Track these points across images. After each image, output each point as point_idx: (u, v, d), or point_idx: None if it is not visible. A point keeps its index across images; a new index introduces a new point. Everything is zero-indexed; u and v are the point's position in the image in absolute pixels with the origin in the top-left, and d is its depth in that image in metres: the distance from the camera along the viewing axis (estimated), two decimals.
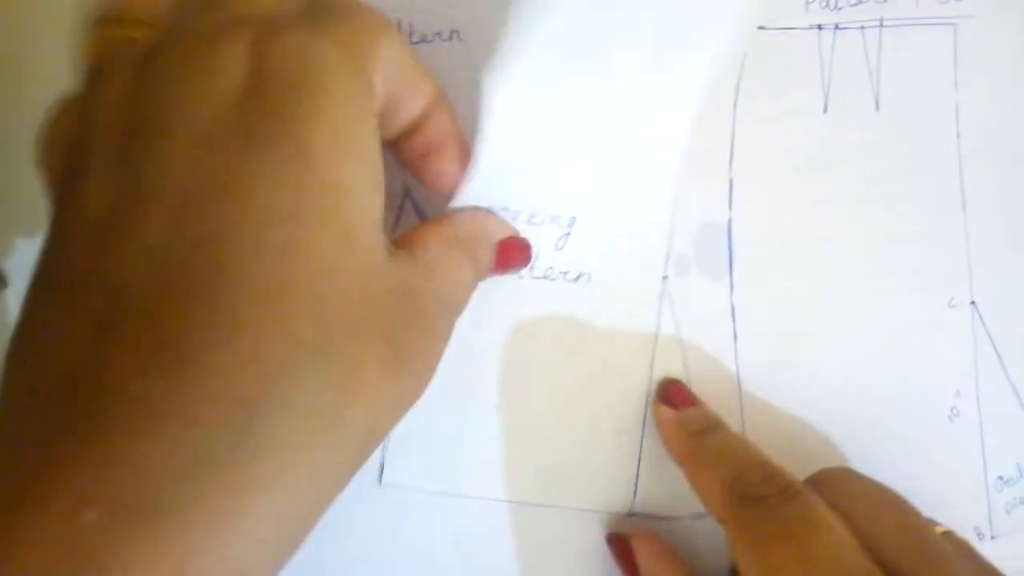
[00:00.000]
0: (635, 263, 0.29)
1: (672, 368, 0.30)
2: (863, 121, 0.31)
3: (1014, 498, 0.31)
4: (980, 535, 0.31)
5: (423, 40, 0.29)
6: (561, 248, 0.29)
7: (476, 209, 0.27)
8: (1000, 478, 0.31)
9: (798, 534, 0.22)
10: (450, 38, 0.29)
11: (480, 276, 0.25)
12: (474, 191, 0.26)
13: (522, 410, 0.29)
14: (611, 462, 0.29)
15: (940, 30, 0.31)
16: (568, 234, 0.28)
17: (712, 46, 0.26)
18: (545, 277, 0.29)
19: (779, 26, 0.30)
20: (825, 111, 0.31)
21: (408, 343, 0.20)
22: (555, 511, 0.29)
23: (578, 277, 0.29)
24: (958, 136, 0.31)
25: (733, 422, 0.29)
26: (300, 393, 0.17)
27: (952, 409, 0.31)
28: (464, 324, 0.25)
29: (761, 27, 0.30)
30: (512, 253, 0.27)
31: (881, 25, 0.31)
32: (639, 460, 0.29)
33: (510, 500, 0.29)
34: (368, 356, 0.19)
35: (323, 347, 0.18)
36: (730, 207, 0.30)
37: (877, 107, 0.31)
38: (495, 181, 0.26)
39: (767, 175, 0.30)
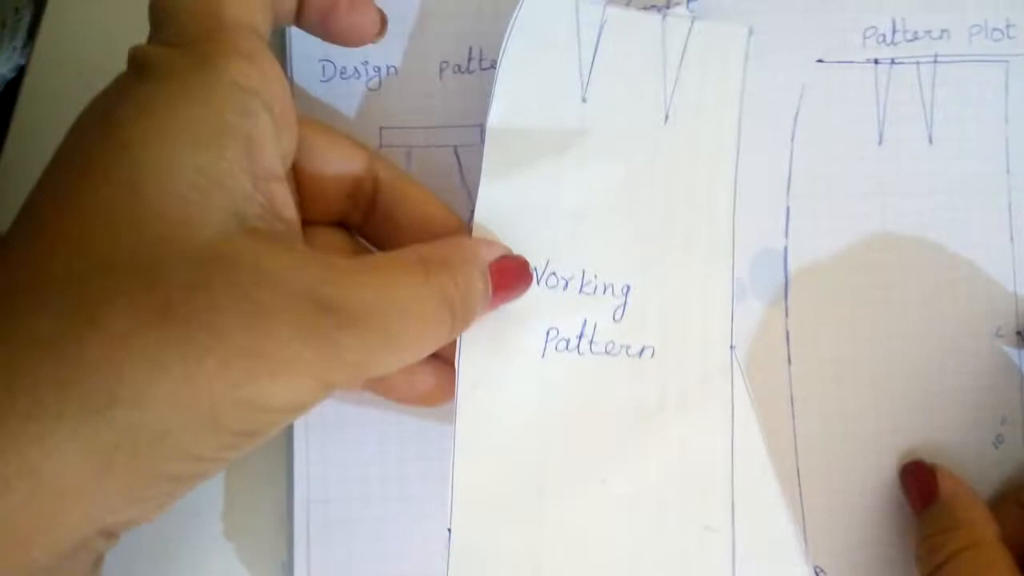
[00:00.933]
0: (700, 331, 0.28)
1: (749, 432, 0.28)
2: (916, 154, 0.32)
3: None
4: None
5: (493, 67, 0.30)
6: (619, 320, 0.27)
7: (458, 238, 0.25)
8: None
9: None
10: None
11: (461, 307, 0.23)
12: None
13: (601, 515, 0.27)
14: (703, 565, 0.27)
15: (992, 67, 0.32)
16: (625, 304, 0.27)
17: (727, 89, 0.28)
18: (607, 352, 0.27)
19: (837, 59, 0.31)
20: (880, 143, 0.32)
21: (199, 311, 0.18)
22: None
23: (641, 351, 0.27)
24: (1008, 171, 0.32)
25: (786, 447, 0.30)
26: (34, 320, 0.17)
27: (998, 437, 0.32)
28: (529, 408, 0.26)
29: (820, 60, 0.31)
30: (509, 275, 0.25)
31: (935, 61, 0.32)
32: (733, 559, 0.27)
33: None
34: (111, 298, 0.18)
35: (65, 280, 0.18)
36: (786, 234, 0.31)
37: (930, 141, 0.32)
38: (534, 242, 0.26)
39: (823, 204, 0.31)
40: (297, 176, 0.25)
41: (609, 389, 0.27)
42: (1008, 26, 0.32)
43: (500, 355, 0.26)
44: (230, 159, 0.19)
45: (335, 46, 0.26)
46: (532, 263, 0.26)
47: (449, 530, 0.25)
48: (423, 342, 0.22)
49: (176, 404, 0.17)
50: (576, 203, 0.27)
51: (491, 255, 0.25)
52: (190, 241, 0.18)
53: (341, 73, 0.30)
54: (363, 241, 0.27)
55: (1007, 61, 0.32)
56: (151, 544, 0.30)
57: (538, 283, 0.26)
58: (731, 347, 0.28)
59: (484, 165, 0.26)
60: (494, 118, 0.27)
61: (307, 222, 0.25)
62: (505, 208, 0.26)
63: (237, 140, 0.19)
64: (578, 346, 0.27)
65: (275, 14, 0.23)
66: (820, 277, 0.31)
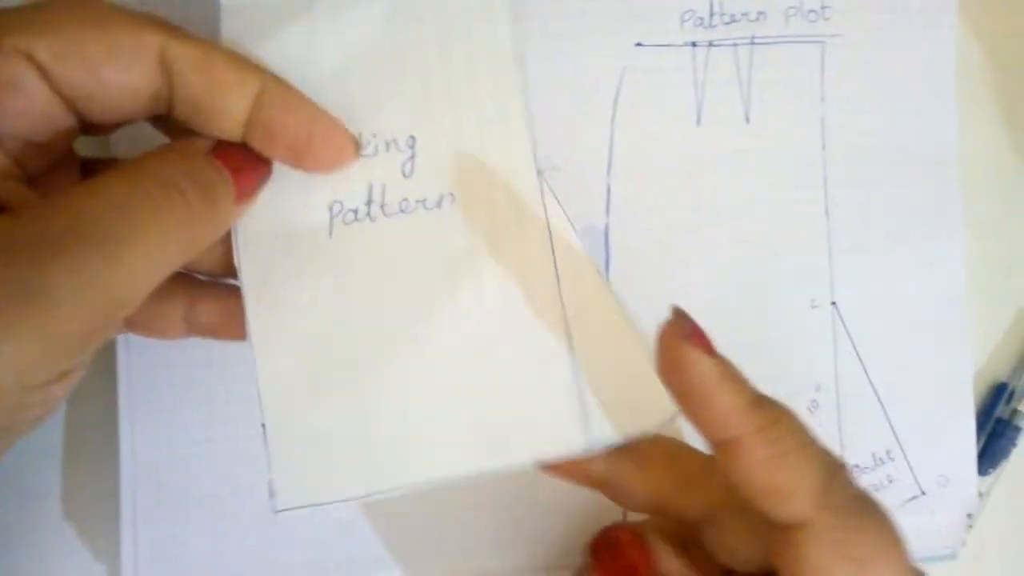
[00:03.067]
0: (501, 163, 0.26)
1: (578, 267, 0.26)
2: (734, 133, 0.33)
3: (870, 485, 0.33)
4: None
5: None
6: (410, 175, 0.26)
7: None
8: (856, 466, 0.33)
9: (899, 553, 0.21)
10: None
11: (192, 184, 0.22)
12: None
13: (425, 371, 0.25)
14: (547, 394, 0.26)
15: (808, 48, 0.33)
16: (413, 156, 0.26)
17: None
18: (401, 211, 0.26)
19: (655, 43, 0.32)
20: (699, 123, 0.33)
21: None
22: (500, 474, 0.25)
23: (440, 201, 0.26)
24: (823, 147, 0.33)
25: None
26: None
27: (813, 402, 0.33)
28: (324, 290, 0.25)
29: (639, 43, 0.32)
30: (235, 158, 0.23)
31: (752, 43, 0.33)
32: (577, 382, 0.26)
33: (443, 477, 0.25)
34: None
35: None
36: (607, 212, 0.32)
37: (747, 120, 0.33)
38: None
39: (643, 182, 0.32)
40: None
41: (411, 248, 0.26)
42: (823, 7, 0.33)
43: (283, 244, 0.25)
44: None
45: None
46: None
47: (263, 425, 0.25)
48: (160, 243, 0.21)
49: None
50: (336, 60, 0.25)
51: (205, 144, 0.23)
52: None
53: None
54: None
55: (823, 42, 0.33)
56: None
57: None
58: (537, 171, 0.26)
59: (222, 40, 0.25)
60: None
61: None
62: None
63: None
64: (368, 213, 0.25)
65: None
66: (641, 254, 0.32)
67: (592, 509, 0.32)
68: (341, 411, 0.25)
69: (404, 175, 0.26)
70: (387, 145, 0.26)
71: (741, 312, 0.33)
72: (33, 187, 0.23)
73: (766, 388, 0.33)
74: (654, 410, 0.25)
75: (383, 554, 0.31)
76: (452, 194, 0.26)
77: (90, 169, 0.25)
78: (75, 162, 0.25)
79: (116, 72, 0.22)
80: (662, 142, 0.32)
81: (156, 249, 0.21)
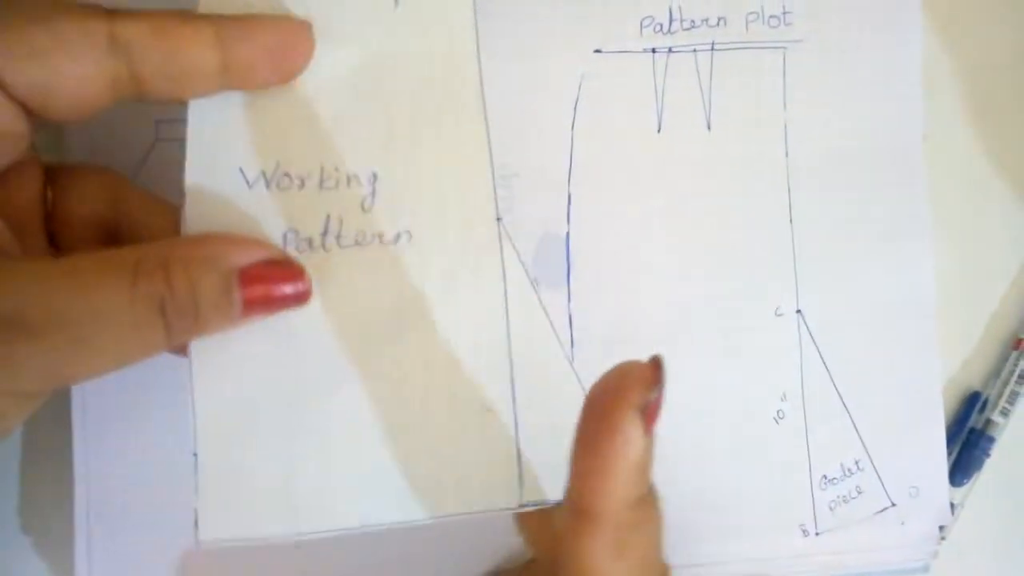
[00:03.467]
0: (459, 207, 0.26)
1: (531, 321, 0.26)
2: (695, 140, 0.32)
3: (838, 496, 0.33)
4: (805, 532, 0.33)
5: None
6: (369, 209, 0.26)
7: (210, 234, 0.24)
8: (824, 477, 0.33)
9: None
10: None
11: (177, 314, 0.21)
12: (207, 158, 0.25)
13: (361, 411, 0.25)
14: (484, 448, 0.26)
15: (770, 53, 0.33)
16: (373, 192, 0.26)
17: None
18: (357, 244, 0.25)
19: (614, 49, 0.32)
20: (659, 131, 0.32)
21: None
22: (428, 528, 0.25)
23: (397, 237, 0.26)
24: (787, 154, 0.33)
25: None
26: None
27: (778, 412, 0.33)
28: (264, 325, 0.24)
29: (597, 50, 0.32)
30: (265, 283, 0.23)
31: (713, 49, 0.33)
32: (516, 436, 0.26)
33: (369, 525, 0.25)
34: None
35: None
36: (568, 220, 0.32)
37: (709, 127, 0.33)
38: (259, 143, 0.25)
39: (604, 191, 0.32)
40: (51, 209, 0.25)
41: (362, 282, 0.25)
42: (785, 12, 0.33)
43: None
44: None
45: None
46: (259, 167, 0.25)
47: (195, 454, 0.24)
48: (127, 351, 0.21)
49: None
50: (308, 95, 0.25)
51: (243, 257, 0.22)
52: None
53: None
54: None
55: (784, 47, 0.33)
56: None
57: (267, 187, 0.25)
58: (497, 219, 0.26)
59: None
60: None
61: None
62: (223, 118, 0.25)
63: None
64: (323, 244, 0.25)
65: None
66: (602, 261, 0.32)
67: None
68: (271, 450, 0.25)
69: (363, 209, 0.26)
70: (348, 179, 0.26)
71: (705, 320, 0.32)
72: None
73: (731, 395, 0.32)
74: None
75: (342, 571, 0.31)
76: (409, 232, 0.26)
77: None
78: (35, 163, 0.25)
79: (68, 62, 0.22)
80: (623, 150, 0.32)
81: (121, 356, 0.22)
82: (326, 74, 0.26)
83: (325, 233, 0.25)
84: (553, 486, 0.25)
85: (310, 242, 0.25)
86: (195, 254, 0.22)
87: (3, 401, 0.21)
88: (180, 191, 0.24)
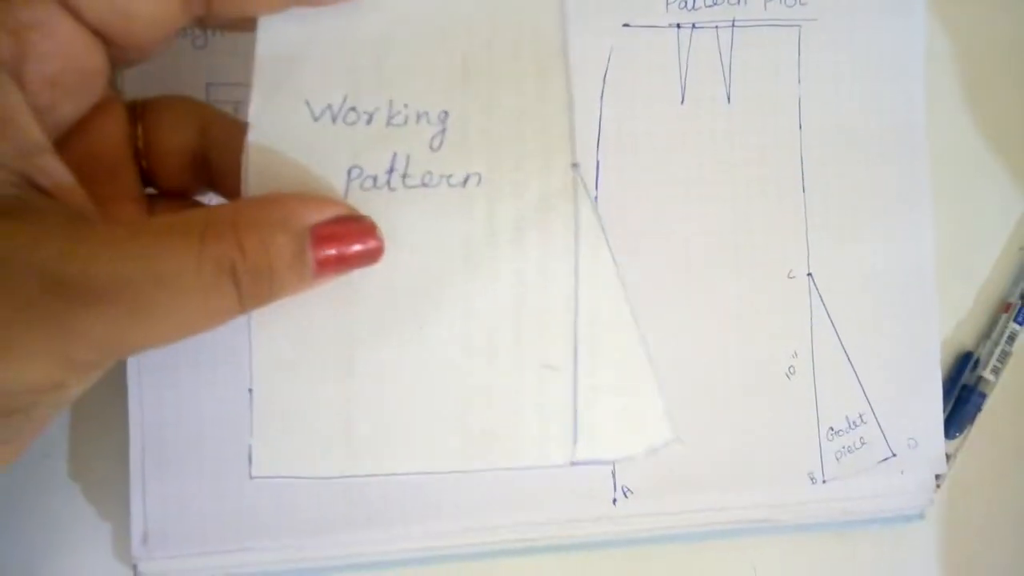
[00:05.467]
0: (534, 151, 0.25)
1: (600, 275, 0.25)
2: (716, 112, 0.34)
3: (843, 447, 0.35)
4: (813, 479, 0.35)
5: None
6: (438, 149, 0.24)
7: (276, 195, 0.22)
8: (831, 429, 0.35)
9: None
10: None
11: (251, 278, 0.20)
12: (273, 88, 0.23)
13: (420, 361, 0.25)
14: (541, 404, 0.25)
15: (786, 31, 0.35)
16: (444, 131, 0.24)
17: None
18: (423, 185, 0.24)
19: (642, 23, 0.34)
20: (682, 102, 0.34)
21: None
22: (480, 476, 0.26)
23: (466, 179, 0.25)
24: (800, 127, 0.35)
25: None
26: None
27: (790, 368, 0.35)
28: None
29: (626, 24, 0.34)
30: (341, 241, 0.22)
31: (733, 25, 0.35)
32: (574, 397, 0.25)
33: (422, 472, 0.25)
34: None
35: None
36: (597, 186, 0.34)
37: (728, 99, 0.35)
38: (327, 77, 0.24)
39: (629, 158, 0.34)
40: (143, 145, 0.25)
41: (428, 224, 0.24)
42: None
43: None
44: None
45: None
46: (326, 100, 0.24)
47: (250, 390, 0.24)
48: (194, 318, 0.20)
49: None
50: (380, 30, 0.24)
51: (315, 216, 0.21)
52: None
53: None
54: None
55: (799, 26, 0.35)
56: None
57: (334, 122, 0.24)
58: (573, 165, 0.25)
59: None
60: None
61: (162, 197, 0.25)
62: (291, 43, 0.24)
63: None
64: (388, 181, 0.24)
65: None
66: (629, 226, 0.34)
67: None
68: (327, 390, 0.24)
69: (432, 149, 0.24)
70: (418, 116, 0.24)
71: (723, 282, 0.34)
72: (72, 142, 0.22)
73: (746, 352, 0.35)
74: (649, 435, 0.25)
75: (393, 511, 0.32)
76: (479, 175, 0.25)
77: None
78: (118, 104, 0.24)
79: None
80: (648, 120, 0.34)
81: (186, 324, 0.20)
82: (400, 6, 0.24)
83: (391, 171, 0.24)
84: (608, 446, 0.25)
85: (375, 180, 0.24)
86: (266, 215, 0.21)
87: (62, 369, 0.19)
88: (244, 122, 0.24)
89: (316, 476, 0.25)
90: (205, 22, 0.23)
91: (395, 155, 0.24)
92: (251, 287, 0.20)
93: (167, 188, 0.26)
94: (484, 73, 0.25)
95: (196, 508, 0.31)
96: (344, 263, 0.22)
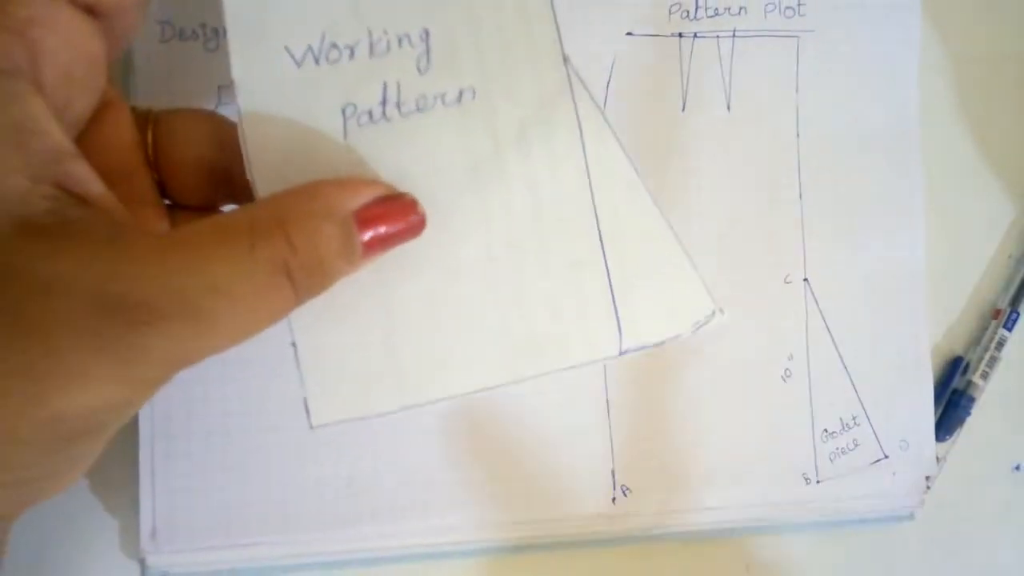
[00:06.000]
0: (523, 54, 0.24)
1: (610, 163, 0.25)
2: (716, 120, 0.35)
3: (837, 448, 0.36)
4: (807, 479, 0.36)
5: None
6: (426, 71, 0.24)
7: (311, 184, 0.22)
8: (826, 431, 0.36)
9: None
10: None
11: (304, 272, 0.20)
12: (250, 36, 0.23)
13: (452, 280, 0.24)
14: (579, 301, 0.25)
15: (785, 41, 0.36)
16: (428, 50, 0.24)
17: None
18: (419, 110, 0.24)
19: (644, 33, 0.35)
20: (684, 110, 0.35)
21: None
22: (534, 382, 0.25)
23: (460, 96, 0.24)
24: (797, 135, 0.36)
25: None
26: None
27: (786, 371, 0.36)
28: None
29: (629, 33, 0.35)
30: (384, 221, 0.22)
31: (734, 36, 0.35)
32: (610, 287, 0.25)
33: (476, 391, 0.25)
34: None
35: None
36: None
37: (728, 108, 0.35)
38: (302, 16, 0.23)
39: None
40: (153, 157, 0.25)
41: (433, 149, 0.24)
42: (799, 4, 0.36)
43: (298, 151, 0.24)
44: None
45: (174, 7, 0.27)
46: (305, 42, 0.23)
47: (293, 344, 0.24)
48: (253, 320, 0.20)
49: None
50: None
51: (356, 200, 0.21)
52: None
53: (180, 34, 0.32)
54: None
55: (798, 36, 0.36)
56: None
57: (317, 63, 0.24)
58: (564, 59, 0.24)
59: None
60: None
61: (177, 207, 0.25)
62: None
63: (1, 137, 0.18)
64: (384, 113, 0.24)
65: None
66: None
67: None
68: (368, 326, 0.24)
69: (420, 71, 0.24)
70: (399, 40, 0.24)
71: (721, 286, 0.35)
72: (84, 145, 0.22)
73: (743, 356, 0.35)
74: (691, 311, 0.25)
75: (398, 506, 0.33)
76: (472, 88, 0.24)
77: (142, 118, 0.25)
78: (121, 105, 0.24)
79: None
80: (650, 126, 0.35)
81: (247, 327, 0.20)
82: None
83: (384, 102, 0.24)
84: (653, 329, 0.25)
85: (370, 114, 0.24)
86: (309, 207, 0.21)
87: (128, 389, 0.19)
88: (231, 88, 0.24)
89: (374, 414, 0.25)
90: None
91: (385, 85, 0.24)
92: (305, 280, 0.20)
93: (184, 202, 0.25)
94: None
95: (204, 503, 0.31)
96: (390, 241, 0.22)
